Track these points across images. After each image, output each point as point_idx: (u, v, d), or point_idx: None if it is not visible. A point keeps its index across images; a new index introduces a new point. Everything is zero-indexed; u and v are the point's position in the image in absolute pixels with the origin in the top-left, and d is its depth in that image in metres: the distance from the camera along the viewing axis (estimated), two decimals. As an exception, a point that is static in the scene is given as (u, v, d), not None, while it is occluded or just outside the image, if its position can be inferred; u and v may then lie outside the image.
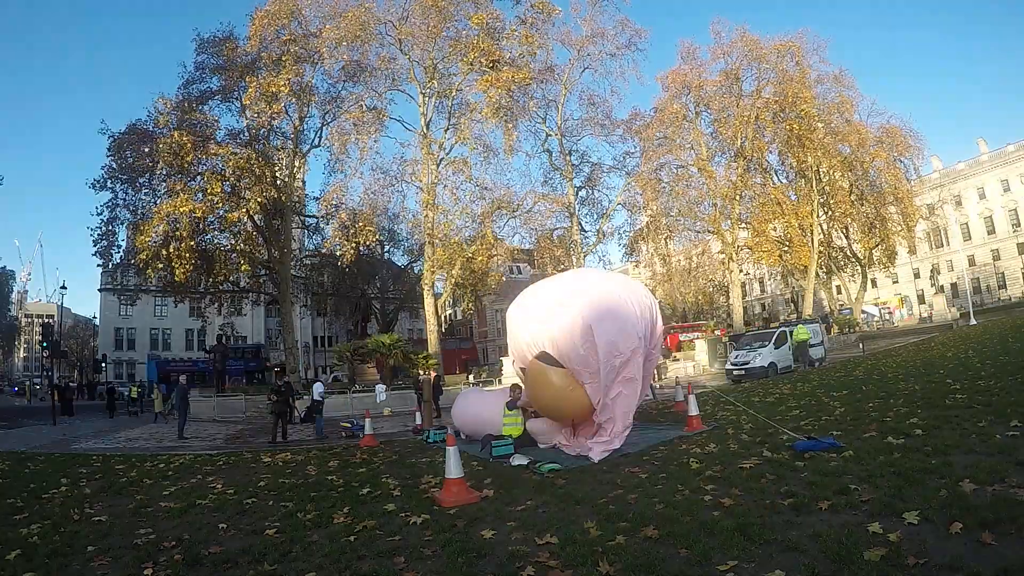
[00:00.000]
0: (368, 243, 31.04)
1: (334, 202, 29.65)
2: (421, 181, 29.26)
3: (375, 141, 29.67)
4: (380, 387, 22.42)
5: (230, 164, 25.49)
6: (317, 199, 31.88)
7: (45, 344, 26.13)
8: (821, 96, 34.15)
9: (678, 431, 8.79)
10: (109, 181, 24.46)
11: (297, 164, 30.09)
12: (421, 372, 22.71)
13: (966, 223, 58.88)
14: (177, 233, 24.18)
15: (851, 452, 5.59)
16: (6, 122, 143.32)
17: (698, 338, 30.20)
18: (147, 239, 23.91)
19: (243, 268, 27.72)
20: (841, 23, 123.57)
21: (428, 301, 29.84)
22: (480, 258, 29.36)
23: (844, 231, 40.80)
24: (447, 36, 28.14)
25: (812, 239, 34.90)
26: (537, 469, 6.79)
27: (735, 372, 19.28)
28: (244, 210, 27.88)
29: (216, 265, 26.98)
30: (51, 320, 52.20)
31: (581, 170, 35.14)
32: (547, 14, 29.33)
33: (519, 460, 7.37)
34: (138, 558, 4.38)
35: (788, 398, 11.30)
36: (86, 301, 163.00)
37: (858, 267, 41.72)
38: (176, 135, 23.87)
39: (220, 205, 25.75)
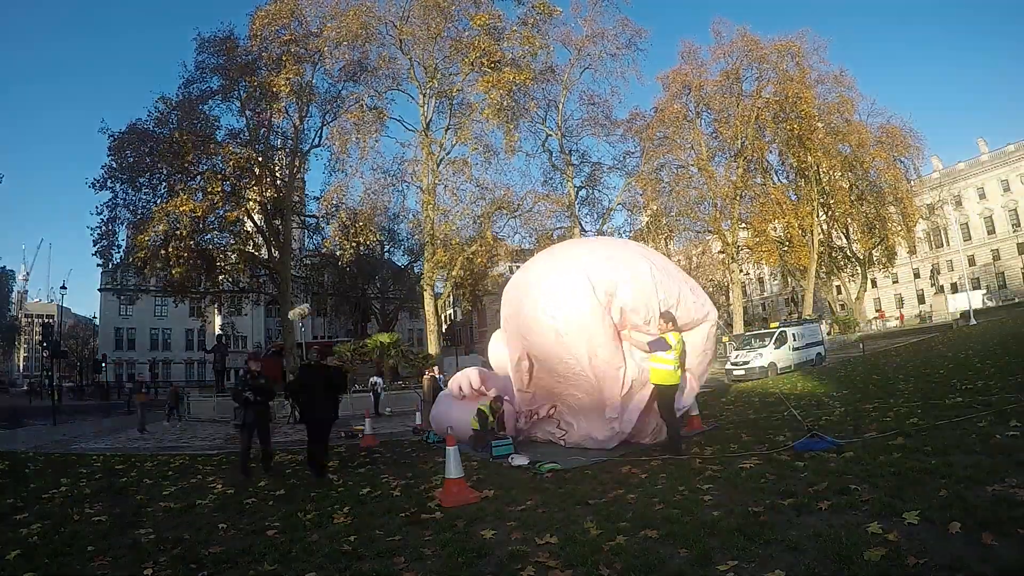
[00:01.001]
0: (368, 243, 31.02)
1: (334, 202, 29.65)
2: (421, 181, 29.24)
3: (376, 141, 29.60)
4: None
5: (230, 164, 25.46)
6: (317, 199, 31.87)
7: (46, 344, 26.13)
8: (821, 96, 34.15)
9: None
10: (109, 181, 24.44)
11: (297, 164, 30.06)
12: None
13: (966, 223, 58.91)
14: (177, 233, 24.19)
15: (851, 452, 5.60)
16: (5, 122, 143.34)
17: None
18: (147, 239, 23.91)
19: (241, 268, 27.70)
20: (841, 23, 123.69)
21: (428, 301, 29.81)
22: (481, 259, 29.32)
23: (844, 231, 40.82)
24: (448, 36, 28.10)
25: (812, 239, 34.91)
26: (537, 469, 6.80)
27: (735, 372, 19.31)
28: (244, 210, 27.93)
29: (216, 265, 26.96)
30: (51, 320, 52.23)
31: (581, 170, 35.15)
32: (548, 15, 29.30)
33: (519, 460, 7.38)
34: (138, 558, 4.38)
35: (788, 397, 11.31)
36: (86, 301, 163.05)
37: (858, 267, 41.74)
38: (176, 134, 23.88)
39: (220, 205, 25.74)
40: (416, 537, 4.45)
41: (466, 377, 10.43)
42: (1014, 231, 56.28)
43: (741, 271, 40.62)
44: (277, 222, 28.24)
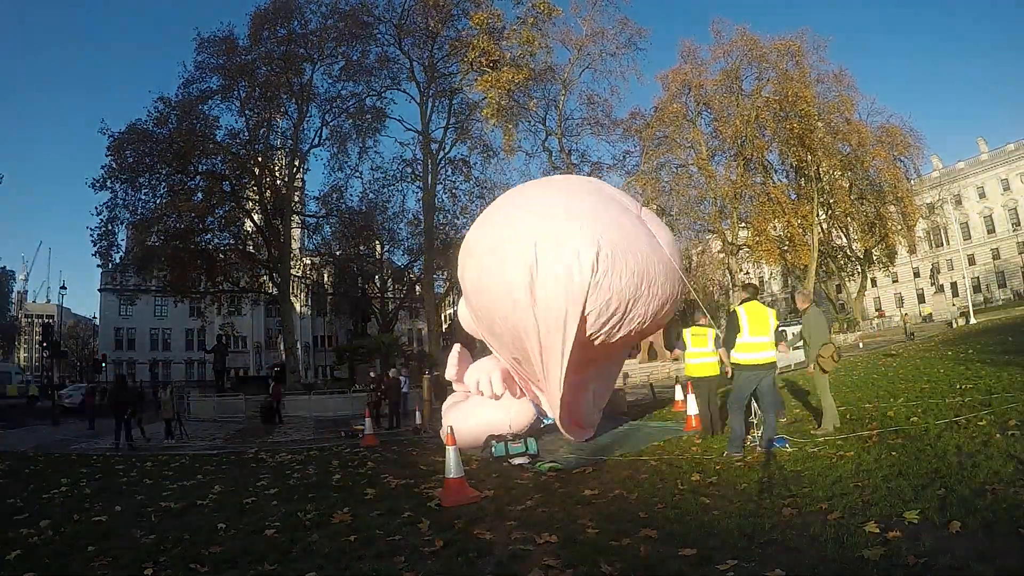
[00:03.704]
0: (368, 243, 31.05)
1: (334, 202, 29.71)
2: (421, 181, 29.27)
3: (375, 141, 29.72)
4: None
5: (230, 164, 25.46)
6: (317, 199, 31.92)
7: (46, 344, 26.13)
8: (821, 95, 34.10)
9: (677, 430, 8.80)
10: (109, 181, 24.44)
11: (297, 164, 30.08)
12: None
13: (966, 222, 58.91)
14: (177, 233, 24.21)
15: (852, 452, 5.60)
16: (4, 121, 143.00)
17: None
18: (147, 239, 23.94)
19: (241, 268, 27.74)
20: (841, 22, 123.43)
21: (428, 301, 29.84)
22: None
23: (844, 230, 40.83)
24: (447, 36, 28.14)
25: (812, 238, 34.91)
26: (537, 469, 6.81)
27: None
28: (244, 210, 27.96)
29: (216, 265, 26.98)
30: (51, 320, 52.21)
31: (581, 169, 35.05)
32: (548, 14, 29.28)
33: (519, 460, 7.38)
34: (138, 558, 4.38)
35: (788, 396, 11.31)
36: (86, 301, 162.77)
37: (858, 266, 41.76)
38: (176, 135, 23.89)
39: (220, 205, 25.77)
40: (416, 537, 4.45)
41: (485, 375, 8.97)
42: (1014, 230, 56.29)
43: (741, 270, 40.59)
44: (277, 222, 28.24)
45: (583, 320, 6.42)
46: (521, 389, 9.18)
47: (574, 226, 6.46)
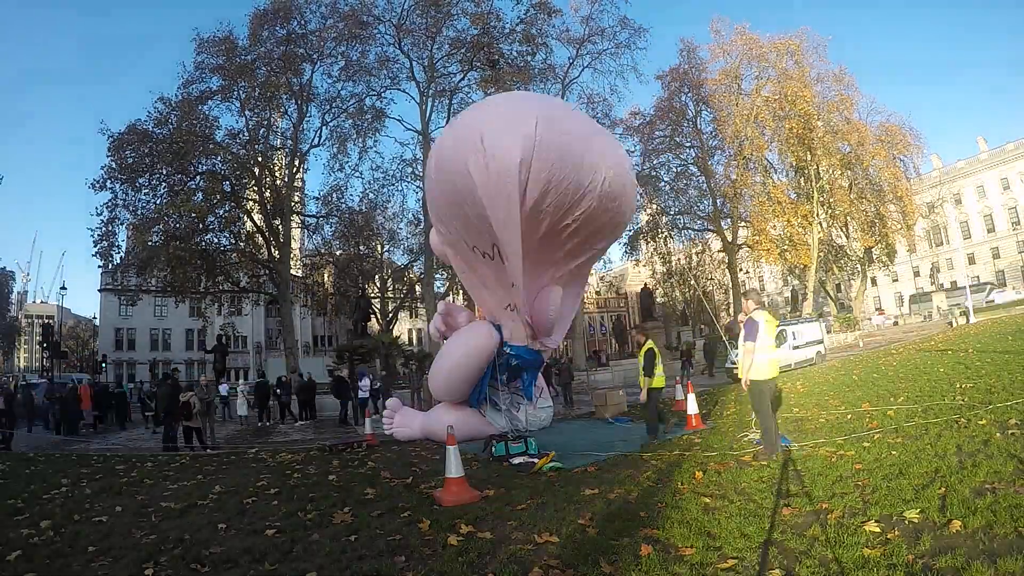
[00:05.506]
0: (368, 243, 31.05)
1: (334, 202, 29.72)
2: (421, 180, 29.24)
3: (375, 141, 29.70)
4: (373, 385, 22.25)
5: (230, 164, 25.44)
6: (317, 199, 31.90)
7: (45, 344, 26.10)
8: (821, 94, 34.08)
9: (677, 430, 8.81)
10: (108, 181, 24.39)
11: (297, 164, 30.06)
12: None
13: (966, 221, 58.91)
14: (177, 233, 24.20)
15: (852, 452, 5.61)
16: (4, 122, 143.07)
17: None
18: (147, 239, 23.93)
19: (241, 267, 27.71)
20: (841, 21, 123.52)
21: (428, 301, 29.82)
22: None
23: (844, 230, 40.83)
24: (447, 35, 28.14)
25: (812, 238, 34.91)
26: (538, 469, 6.81)
27: (736, 371, 19.30)
28: (244, 210, 27.95)
29: (216, 265, 26.96)
30: (51, 320, 52.22)
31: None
32: (547, 14, 29.26)
33: (519, 460, 7.38)
34: (138, 558, 4.38)
35: (788, 396, 11.33)
36: (86, 301, 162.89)
37: (858, 266, 41.75)
38: (176, 135, 23.88)
39: (220, 205, 25.75)
40: (416, 537, 4.45)
41: (437, 317, 9.45)
42: (1013, 229, 56.29)
43: (741, 270, 40.62)
44: (277, 222, 28.22)
45: (526, 201, 6.39)
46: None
47: (511, 115, 6.58)
